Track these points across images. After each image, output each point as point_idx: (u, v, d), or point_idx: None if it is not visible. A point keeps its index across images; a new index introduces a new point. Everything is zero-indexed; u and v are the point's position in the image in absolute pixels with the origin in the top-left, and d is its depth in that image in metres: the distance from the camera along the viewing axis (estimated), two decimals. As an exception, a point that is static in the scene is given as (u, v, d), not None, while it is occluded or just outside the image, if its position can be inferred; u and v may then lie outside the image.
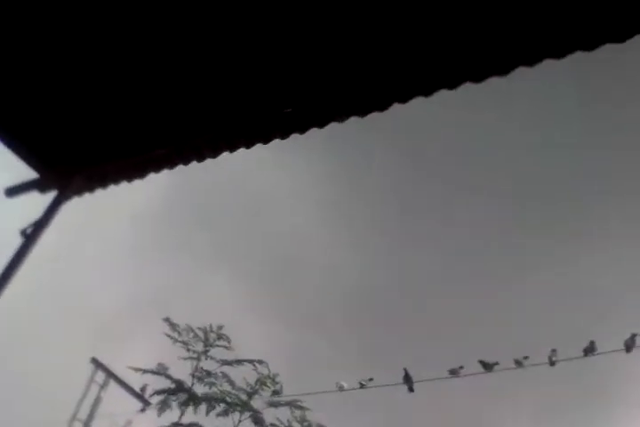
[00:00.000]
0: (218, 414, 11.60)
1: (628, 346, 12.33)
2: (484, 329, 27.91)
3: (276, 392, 11.90)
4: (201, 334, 11.83)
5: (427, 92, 3.62)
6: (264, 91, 4.07)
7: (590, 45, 3.19)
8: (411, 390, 14.20)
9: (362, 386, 14.53)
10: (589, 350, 12.73)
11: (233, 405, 11.61)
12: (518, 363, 13.32)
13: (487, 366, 13.59)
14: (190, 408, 11.50)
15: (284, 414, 11.93)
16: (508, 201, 28.50)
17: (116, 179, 5.00)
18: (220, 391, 11.65)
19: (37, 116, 4.63)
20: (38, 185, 5.10)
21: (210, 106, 4.27)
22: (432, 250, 30.28)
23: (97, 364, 17.70)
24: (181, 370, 13.12)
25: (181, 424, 11.36)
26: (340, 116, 3.90)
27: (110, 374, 17.82)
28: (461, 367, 14.00)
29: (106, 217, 24.95)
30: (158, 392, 11.43)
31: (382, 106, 3.76)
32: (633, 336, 12.48)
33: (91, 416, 17.27)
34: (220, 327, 12.12)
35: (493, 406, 28.69)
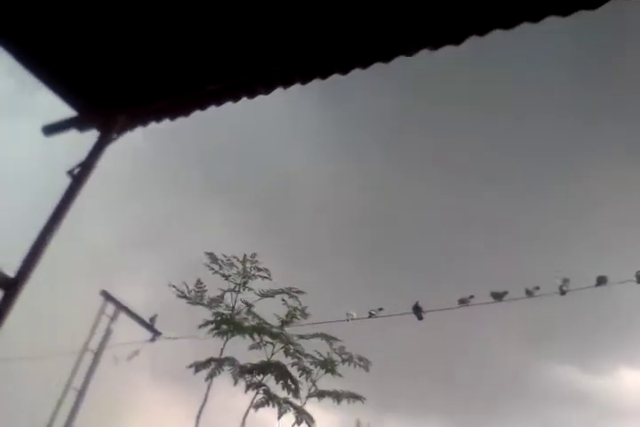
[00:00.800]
0: (250, 348, 11.76)
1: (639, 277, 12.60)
2: (496, 259, 28.32)
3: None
4: (239, 265, 11.82)
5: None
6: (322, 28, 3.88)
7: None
8: (420, 318, 14.42)
9: (371, 315, 14.72)
10: (601, 280, 12.95)
11: (270, 335, 11.73)
12: (529, 293, 13.52)
13: (497, 296, 13.80)
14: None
15: (314, 346, 12.14)
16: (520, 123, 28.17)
17: (160, 117, 4.83)
18: (257, 323, 11.75)
19: (78, 52, 4.40)
20: (78, 123, 4.93)
21: (261, 44, 4.08)
22: (438, 180, 30.18)
23: (107, 296, 17.90)
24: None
25: (217, 358, 11.53)
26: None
27: (120, 306, 18.06)
28: (471, 297, 14.15)
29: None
30: (209, 322, 11.50)
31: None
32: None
33: (101, 347, 17.59)
34: (254, 255, 12.07)
35: (501, 336, 29.55)
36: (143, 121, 4.89)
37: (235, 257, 11.75)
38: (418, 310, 14.34)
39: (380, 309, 15.08)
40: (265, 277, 11.72)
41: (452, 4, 3.41)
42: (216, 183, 30.93)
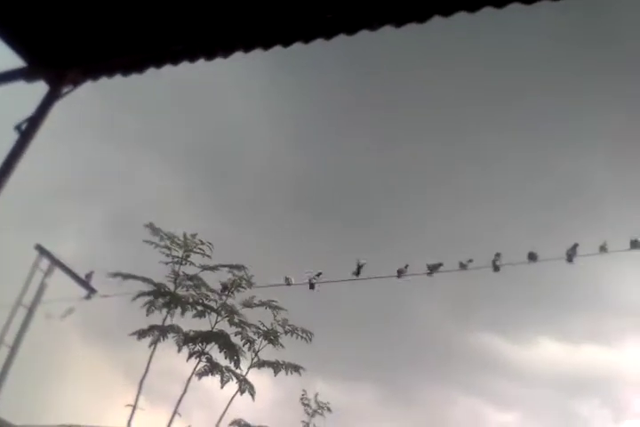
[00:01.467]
0: (194, 316, 11.76)
1: (570, 255, 13.21)
2: (433, 231, 28.83)
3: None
4: (180, 240, 11.78)
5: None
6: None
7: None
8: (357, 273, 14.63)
9: (311, 286, 14.96)
10: (532, 257, 13.50)
11: (211, 308, 11.78)
12: (463, 265, 13.96)
13: (432, 268, 14.23)
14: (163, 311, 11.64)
15: (258, 315, 12.24)
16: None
17: (112, 73, 4.71)
18: (198, 294, 11.74)
19: (34, 5, 4.22)
20: (25, 75, 4.76)
21: (223, 6, 4.01)
22: (376, 145, 30.24)
23: (41, 250, 17.49)
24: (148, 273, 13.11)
25: (160, 326, 11.49)
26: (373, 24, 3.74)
27: (54, 261, 17.69)
28: (406, 266, 14.54)
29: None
30: (142, 294, 11.44)
31: (422, 17, 3.63)
32: (574, 246, 13.36)
33: (35, 302, 17.26)
34: (194, 235, 12.07)
35: (433, 305, 30.38)
36: (94, 76, 4.76)
37: (174, 235, 11.72)
38: (358, 273, 14.61)
39: (319, 273, 15.30)
40: (206, 255, 11.73)
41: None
42: (153, 134, 30.22)
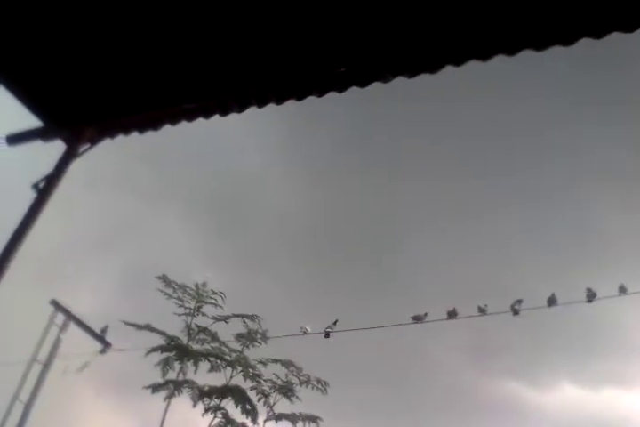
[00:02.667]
0: (209, 371, 11.65)
1: (589, 297, 13.09)
2: (451, 273, 28.62)
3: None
4: (193, 290, 11.74)
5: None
6: (295, 49, 3.91)
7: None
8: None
9: (327, 334, 14.82)
10: (552, 301, 13.36)
11: (226, 361, 11.65)
12: (481, 310, 13.82)
13: (451, 314, 14.08)
14: (176, 365, 11.51)
15: (273, 367, 12.10)
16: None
17: (128, 130, 4.78)
18: (212, 348, 11.64)
19: (48, 64, 4.33)
20: (43, 134, 4.84)
21: (236, 64, 4.09)
22: (389, 187, 30.31)
23: (56, 305, 17.49)
24: (164, 325, 13.05)
25: (174, 380, 11.36)
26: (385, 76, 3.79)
27: (70, 316, 17.66)
28: (425, 315, 14.43)
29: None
30: (154, 349, 11.35)
31: (434, 67, 3.67)
32: (590, 290, 13.32)
33: (51, 357, 17.17)
34: (205, 284, 12.05)
35: (452, 352, 29.93)
36: (111, 134, 4.83)
37: (186, 286, 11.67)
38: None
39: (335, 322, 15.14)
40: (218, 305, 11.69)
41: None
42: (169, 186, 30.51)
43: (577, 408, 33.17)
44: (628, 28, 3.14)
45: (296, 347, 15.69)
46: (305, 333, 15.22)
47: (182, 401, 11.84)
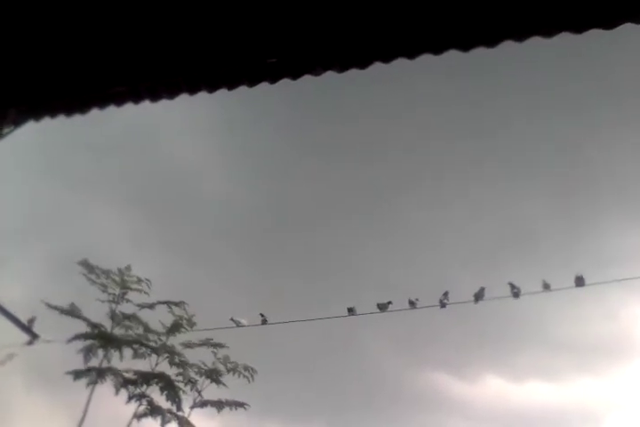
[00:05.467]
0: (133, 357, 11.43)
1: (515, 293, 13.52)
2: (380, 270, 28.98)
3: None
4: (116, 275, 11.46)
5: (410, 55, 3.62)
6: (233, 38, 3.90)
7: (579, 28, 3.31)
8: None
9: (264, 322, 14.81)
10: (478, 295, 13.72)
11: (151, 347, 11.44)
12: (412, 303, 14.08)
13: (382, 307, 14.30)
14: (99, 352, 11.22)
15: (200, 354, 11.96)
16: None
17: (55, 113, 4.66)
18: (137, 335, 11.41)
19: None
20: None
21: (167, 49, 4.04)
22: (328, 182, 30.44)
23: (-21, 294, 16.89)
24: (92, 314, 12.69)
25: (97, 368, 11.12)
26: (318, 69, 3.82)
27: (-6, 307, 17.10)
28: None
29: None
30: (77, 337, 11.05)
31: (364, 63, 3.71)
32: (512, 286, 13.75)
33: (-28, 348, 16.59)
34: (129, 268, 11.76)
35: (382, 343, 30.35)
36: (36, 117, 4.70)
37: (110, 271, 11.38)
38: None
39: (262, 315, 15.12)
40: (143, 292, 11.46)
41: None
42: (101, 174, 29.79)
43: (502, 400, 34.32)
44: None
45: (229, 337, 15.63)
46: (238, 325, 15.15)
47: (111, 391, 11.64)
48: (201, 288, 23.88)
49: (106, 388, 11.28)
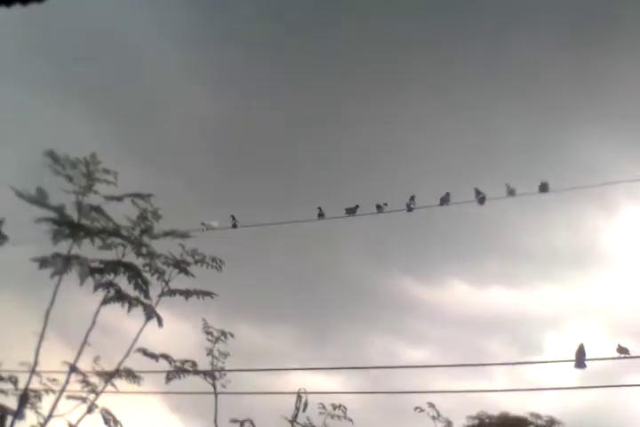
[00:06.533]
0: (100, 247, 11.42)
1: (481, 199, 13.73)
2: (347, 175, 29.24)
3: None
4: (82, 163, 11.22)
5: None
6: None
7: None
8: None
9: (234, 226, 15.01)
10: (444, 200, 13.93)
11: (120, 236, 11.41)
12: (379, 207, 14.29)
13: (350, 211, 14.53)
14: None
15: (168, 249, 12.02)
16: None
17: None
18: (104, 225, 11.37)
19: None
20: None
21: None
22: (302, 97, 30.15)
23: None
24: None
25: (63, 254, 11.17)
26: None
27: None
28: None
29: None
30: (44, 219, 10.91)
31: None
32: (477, 192, 13.92)
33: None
34: (95, 156, 11.49)
35: (351, 248, 31.16)
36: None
37: (78, 160, 11.16)
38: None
39: (232, 217, 15.23)
40: (111, 182, 11.24)
41: None
42: (70, 80, 28.95)
43: (466, 305, 35.96)
44: None
45: (199, 244, 15.82)
46: (207, 228, 15.29)
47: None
48: (173, 197, 24.00)
49: (73, 280, 11.45)
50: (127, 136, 29.91)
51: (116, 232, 11.04)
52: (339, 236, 25.99)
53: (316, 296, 31.12)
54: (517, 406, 24.84)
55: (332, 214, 15.14)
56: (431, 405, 10.93)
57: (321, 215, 14.85)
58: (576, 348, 11.64)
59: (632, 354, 12.03)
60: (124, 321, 11.76)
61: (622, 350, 11.92)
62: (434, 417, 11.12)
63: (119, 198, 11.20)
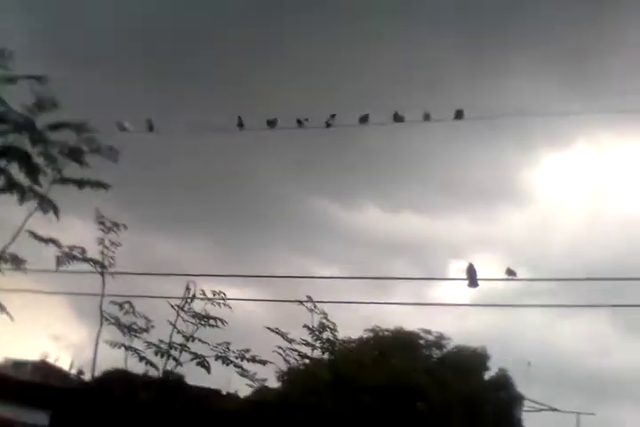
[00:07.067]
0: None
1: (398, 118, 13.94)
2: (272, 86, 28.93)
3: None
4: None
5: None
6: None
7: None
8: None
9: (151, 129, 14.66)
10: (364, 119, 14.10)
11: (14, 122, 10.72)
12: (299, 122, 14.34)
13: (270, 123, 14.52)
14: None
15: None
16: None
17: None
18: None
19: None
20: None
21: None
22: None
23: None
24: None
25: None
26: None
27: None
28: (240, 119, 14.76)
29: None
30: None
31: None
32: (396, 115, 14.09)
33: None
34: None
35: (271, 164, 31.17)
36: None
37: None
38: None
39: (149, 121, 14.78)
40: (4, 66, 10.47)
41: None
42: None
43: (377, 229, 37.09)
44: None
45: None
46: (123, 129, 14.82)
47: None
48: (93, 92, 23.12)
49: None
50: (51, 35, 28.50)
51: (6, 117, 10.43)
52: (258, 151, 25.99)
53: (233, 211, 31.27)
54: (416, 323, 26.33)
55: (253, 127, 15.04)
56: (309, 297, 11.64)
57: (240, 125, 14.73)
58: (466, 266, 12.45)
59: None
60: (18, 215, 11.38)
61: (510, 273, 12.83)
62: (311, 310, 11.83)
63: (12, 80, 10.41)
